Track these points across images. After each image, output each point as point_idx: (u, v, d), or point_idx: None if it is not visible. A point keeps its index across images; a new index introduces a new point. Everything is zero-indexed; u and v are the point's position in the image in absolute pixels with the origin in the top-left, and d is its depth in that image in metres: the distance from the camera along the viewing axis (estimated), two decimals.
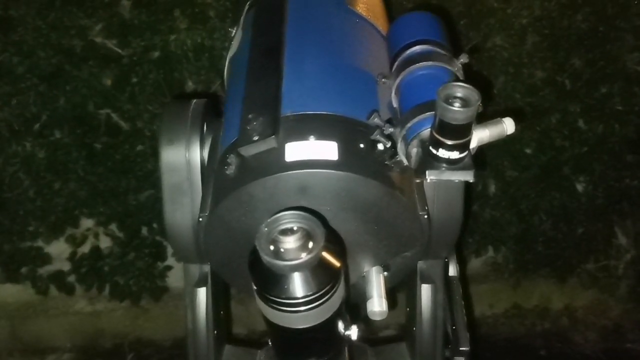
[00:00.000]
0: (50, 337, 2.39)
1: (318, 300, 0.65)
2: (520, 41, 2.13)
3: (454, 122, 0.65)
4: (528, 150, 2.25)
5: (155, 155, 2.07)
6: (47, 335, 2.38)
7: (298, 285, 0.64)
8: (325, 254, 0.64)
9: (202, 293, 0.93)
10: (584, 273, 2.51)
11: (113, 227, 2.21)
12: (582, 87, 2.20)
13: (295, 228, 0.63)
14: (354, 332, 0.76)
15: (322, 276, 0.65)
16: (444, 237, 0.86)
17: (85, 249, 2.23)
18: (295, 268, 0.63)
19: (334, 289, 0.66)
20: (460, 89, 0.65)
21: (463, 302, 0.95)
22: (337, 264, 0.66)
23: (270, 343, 0.80)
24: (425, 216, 0.80)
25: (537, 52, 2.15)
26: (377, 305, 0.78)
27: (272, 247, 0.63)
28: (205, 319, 0.92)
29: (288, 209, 0.65)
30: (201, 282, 0.93)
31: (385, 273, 0.83)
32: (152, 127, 2.07)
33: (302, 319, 0.66)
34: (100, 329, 2.41)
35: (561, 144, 2.26)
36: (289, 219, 0.64)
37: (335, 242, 0.70)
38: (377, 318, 0.79)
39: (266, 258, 0.62)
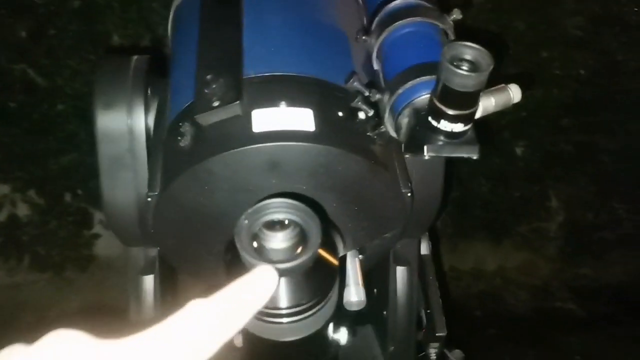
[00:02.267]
0: None
1: (309, 311, 0.53)
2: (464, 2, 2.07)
3: (462, 90, 0.55)
4: None
5: (78, 115, 1.92)
6: None
7: (287, 294, 0.51)
8: (322, 254, 0.51)
9: (148, 281, 0.81)
10: (517, 235, 2.55)
11: (32, 193, 2.04)
12: (524, 50, 2.18)
13: (286, 221, 0.48)
14: (343, 336, 0.67)
15: (317, 281, 0.52)
16: (423, 215, 0.78)
17: (1, 217, 2.04)
18: (285, 272, 0.46)
19: (329, 296, 0.54)
20: (470, 50, 0.55)
21: (437, 283, 0.89)
22: (334, 265, 0.54)
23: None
24: (409, 194, 0.72)
25: (481, 14, 2.11)
26: (354, 294, 0.69)
27: (255, 244, 0.48)
28: (153, 310, 0.81)
29: (275, 195, 0.50)
30: (147, 269, 0.82)
31: (361, 256, 0.74)
32: (74, 85, 1.89)
33: (288, 332, 0.54)
34: (21, 302, 2.24)
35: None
36: (277, 209, 0.48)
37: (332, 238, 0.59)
38: (355, 308, 0.70)
39: (248, 258, 0.46)
